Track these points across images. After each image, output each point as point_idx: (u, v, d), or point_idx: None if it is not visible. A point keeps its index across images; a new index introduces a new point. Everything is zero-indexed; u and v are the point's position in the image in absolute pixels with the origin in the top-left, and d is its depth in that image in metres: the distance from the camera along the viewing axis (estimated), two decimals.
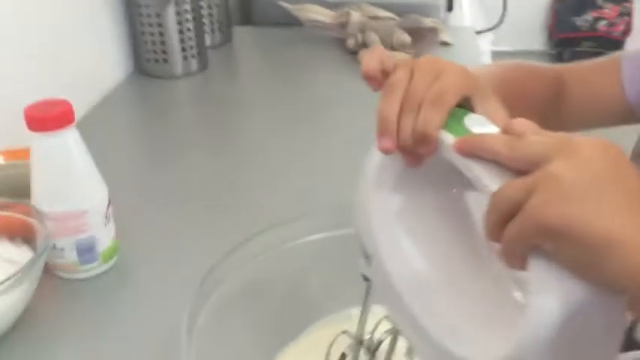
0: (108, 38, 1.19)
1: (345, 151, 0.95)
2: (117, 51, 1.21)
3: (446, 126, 0.40)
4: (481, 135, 0.38)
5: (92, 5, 1.13)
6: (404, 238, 0.44)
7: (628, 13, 3.43)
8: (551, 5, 3.56)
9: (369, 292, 0.51)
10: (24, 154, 0.71)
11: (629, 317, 0.51)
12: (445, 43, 1.32)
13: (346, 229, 0.62)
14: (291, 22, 1.39)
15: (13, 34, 0.91)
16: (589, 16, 3.45)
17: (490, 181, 0.36)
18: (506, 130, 0.37)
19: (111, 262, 0.70)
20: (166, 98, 1.18)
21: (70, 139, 0.65)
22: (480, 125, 0.39)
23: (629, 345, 0.64)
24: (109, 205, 0.69)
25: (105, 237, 0.69)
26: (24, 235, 0.66)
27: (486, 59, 1.82)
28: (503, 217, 0.34)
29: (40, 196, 0.66)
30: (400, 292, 0.43)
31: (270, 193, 0.85)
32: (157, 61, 1.21)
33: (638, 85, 0.64)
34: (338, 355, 0.55)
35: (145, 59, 1.22)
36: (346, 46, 1.32)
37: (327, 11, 1.37)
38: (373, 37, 1.27)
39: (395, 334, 0.55)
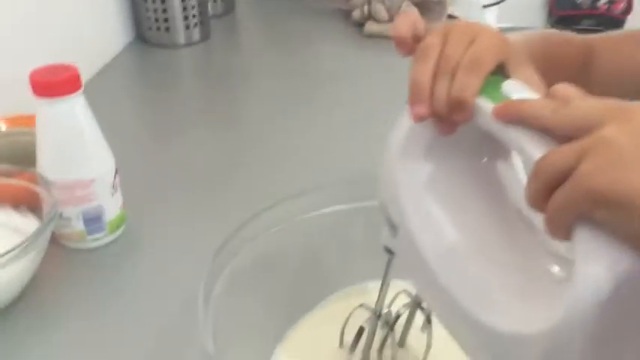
0: (109, 5, 1.16)
1: (351, 125, 0.94)
2: (117, 18, 1.19)
3: (482, 92, 0.38)
4: (523, 100, 0.36)
5: None
6: (433, 207, 0.43)
7: None
8: None
9: (390, 264, 0.50)
10: (28, 120, 0.69)
11: None
12: (452, 17, 1.30)
13: (359, 202, 0.61)
14: None
15: (14, 0, 0.88)
16: None
17: (534, 148, 0.34)
18: (549, 96, 0.36)
19: (118, 233, 0.69)
20: (168, 68, 1.16)
21: (77, 105, 0.63)
22: (519, 91, 0.38)
23: None
24: (116, 174, 0.67)
25: (112, 207, 0.67)
26: (29, 203, 0.64)
27: None
28: (549, 185, 0.32)
29: (46, 164, 0.64)
30: (429, 262, 0.42)
31: (278, 165, 0.84)
32: (158, 29, 1.19)
33: None
34: (354, 328, 0.54)
35: (147, 27, 1.19)
36: (351, 18, 1.30)
37: None
38: (379, 9, 1.24)
39: (413, 308, 0.54)
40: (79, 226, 0.66)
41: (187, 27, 1.19)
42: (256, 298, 0.55)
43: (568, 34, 0.67)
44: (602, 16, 3.39)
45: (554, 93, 0.36)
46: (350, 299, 0.60)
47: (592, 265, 0.31)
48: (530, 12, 3.54)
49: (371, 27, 1.25)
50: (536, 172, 0.33)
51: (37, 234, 0.58)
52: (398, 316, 0.53)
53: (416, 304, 0.54)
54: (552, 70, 0.45)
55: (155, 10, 1.17)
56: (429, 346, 0.54)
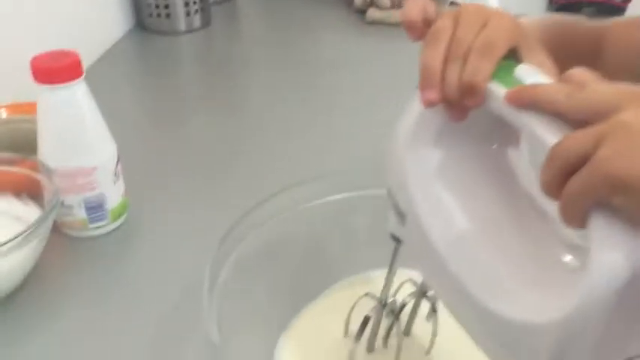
0: None
1: (353, 112, 0.93)
2: (118, 5, 1.18)
3: (494, 76, 0.38)
4: (536, 85, 0.36)
5: None
6: (443, 194, 0.42)
7: None
8: None
9: (397, 252, 0.49)
10: (29, 108, 0.68)
11: None
12: (454, 3, 1.29)
13: (363, 190, 0.61)
14: None
15: None
16: None
17: (548, 133, 0.33)
18: (564, 80, 0.35)
19: (120, 221, 0.68)
20: (169, 55, 1.15)
21: (78, 92, 0.62)
22: (532, 75, 0.37)
23: None
24: (118, 161, 0.67)
25: (114, 194, 0.67)
26: (30, 191, 0.63)
27: None
28: (565, 171, 0.32)
29: (47, 152, 0.63)
30: (438, 250, 0.41)
31: (279, 153, 0.83)
32: (159, 15, 1.18)
33: None
34: (359, 316, 0.54)
35: (147, 14, 1.18)
36: (353, 5, 1.29)
37: None
38: None
39: (418, 297, 0.54)
40: (80, 214, 0.65)
41: (188, 14, 1.18)
42: (260, 287, 0.55)
43: (579, 19, 0.66)
44: (602, 5, 3.37)
45: (569, 77, 0.35)
46: (354, 288, 0.60)
47: (609, 252, 0.30)
48: (530, 0, 3.53)
49: (373, 14, 1.24)
50: (552, 157, 0.32)
51: (39, 222, 0.57)
52: (403, 305, 0.53)
53: (421, 293, 0.53)
54: (563, 55, 0.44)
55: None
56: (434, 335, 0.53)
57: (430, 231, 0.41)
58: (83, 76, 0.62)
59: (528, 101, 0.35)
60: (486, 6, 0.41)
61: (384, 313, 0.53)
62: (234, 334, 0.49)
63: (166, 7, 1.16)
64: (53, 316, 0.58)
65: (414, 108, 0.42)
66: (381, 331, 0.53)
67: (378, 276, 0.59)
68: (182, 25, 1.19)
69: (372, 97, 0.97)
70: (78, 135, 0.63)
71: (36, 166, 0.63)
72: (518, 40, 0.40)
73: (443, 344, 0.54)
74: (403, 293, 0.53)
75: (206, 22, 1.22)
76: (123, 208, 0.68)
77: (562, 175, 0.32)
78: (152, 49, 1.17)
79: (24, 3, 0.89)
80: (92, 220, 0.66)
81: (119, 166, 0.67)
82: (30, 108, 0.65)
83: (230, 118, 0.94)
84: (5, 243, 0.54)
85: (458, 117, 0.40)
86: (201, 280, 0.49)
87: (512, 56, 0.40)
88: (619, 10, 3.33)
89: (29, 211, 0.62)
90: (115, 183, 0.66)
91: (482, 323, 0.39)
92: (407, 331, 0.56)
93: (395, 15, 1.21)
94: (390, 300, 0.52)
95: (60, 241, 0.65)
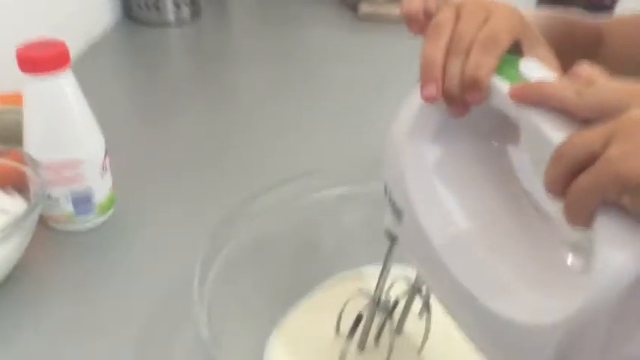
0: None
1: (344, 108, 0.92)
2: None
3: (497, 71, 0.37)
4: (542, 81, 0.35)
5: None
6: (441, 191, 0.41)
7: None
8: None
9: (392, 250, 0.48)
10: (15, 98, 0.66)
11: None
12: None
13: (354, 185, 0.60)
14: None
15: None
16: None
17: (554, 130, 0.33)
18: (570, 76, 0.34)
19: (107, 215, 0.67)
20: (158, 47, 1.13)
21: (65, 82, 0.61)
22: (537, 70, 0.36)
23: None
24: (105, 155, 0.65)
25: (102, 188, 0.65)
26: (16, 183, 0.62)
27: None
28: (572, 169, 0.31)
29: (34, 144, 0.62)
30: (436, 248, 0.40)
31: (269, 148, 0.82)
32: (147, 7, 1.16)
33: None
34: (351, 313, 0.53)
35: (136, 5, 1.16)
36: None
37: None
38: None
39: (411, 294, 0.53)
40: (67, 207, 0.64)
41: (177, 5, 1.16)
42: (251, 283, 0.54)
43: (578, 15, 0.65)
44: (590, 3, 3.40)
45: (576, 73, 0.34)
46: (346, 284, 0.59)
47: (615, 252, 0.30)
48: None
49: (365, 8, 1.23)
50: (559, 155, 0.31)
51: (25, 215, 0.56)
52: (396, 303, 0.52)
53: (415, 291, 0.52)
54: (562, 50, 0.44)
55: None
56: (427, 333, 0.53)
57: (427, 229, 0.40)
58: (70, 66, 0.60)
59: (534, 97, 0.34)
60: None
61: (377, 310, 0.52)
62: (225, 330, 0.48)
63: None
64: (39, 311, 0.57)
65: (414, 102, 0.41)
66: (373, 329, 0.53)
67: (370, 272, 0.59)
68: (171, 17, 1.17)
69: (364, 92, 0.96)
70: (64, 127, 0.62)
71: (22, 158, 0.61)
72: (522, 33, 0.39)
73: (435, 345, 0.53)
74: (396, 290, 0.52)
75: (196, 15, 1.20)
76: (110, 202, 0.67)
77: (569, 173, 0.31)
78: (141, 41, 1.15)
79: None
80: (79, 214, 0.64)
81: (107, 160, 0.66)
82: (16, 99, 0.63)
83: (220, 112, 0.92)
84: None
85: (458, 113, 0.39)
86: (190, 276, 0.48)
87: (515, 49, 0.39)
88: (606, 9, 3.35)
89: (14, 204, 0.61)
90: (102, 176, 0.65)
91: (481, 324, 0.39)
92: (399, 330, 0.55)
93: (387, 9, 1.20)
94: (383, 298, 0.52)
95: (46, 235, 0.64)
